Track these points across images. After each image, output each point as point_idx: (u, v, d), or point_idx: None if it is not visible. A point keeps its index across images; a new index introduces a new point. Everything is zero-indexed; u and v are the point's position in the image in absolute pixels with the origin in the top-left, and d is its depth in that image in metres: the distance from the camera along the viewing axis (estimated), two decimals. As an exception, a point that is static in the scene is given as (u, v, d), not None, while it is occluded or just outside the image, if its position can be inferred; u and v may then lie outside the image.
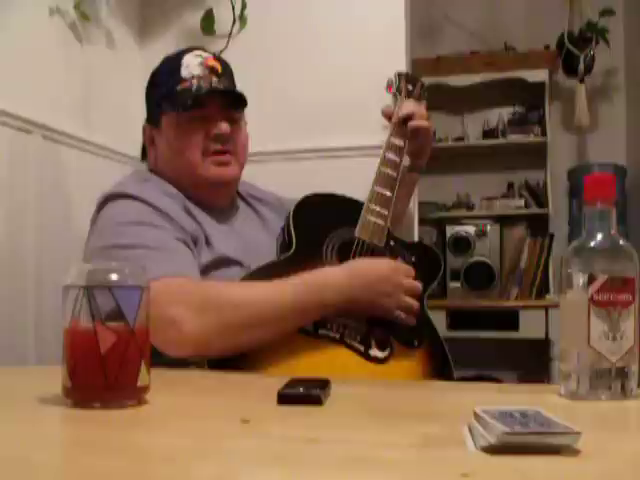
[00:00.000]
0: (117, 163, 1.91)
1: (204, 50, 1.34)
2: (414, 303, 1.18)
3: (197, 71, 1.27)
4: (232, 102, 1.29)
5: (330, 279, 1.13)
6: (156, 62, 1.36)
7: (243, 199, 1.42)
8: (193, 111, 1.25)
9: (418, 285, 1.20)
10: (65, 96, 1.74)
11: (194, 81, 1.26)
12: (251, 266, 1.20)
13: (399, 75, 1.47)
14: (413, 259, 1.25)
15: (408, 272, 1.20)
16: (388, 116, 1.40)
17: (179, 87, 1.26)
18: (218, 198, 1.31)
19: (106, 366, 0.71)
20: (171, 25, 2.04)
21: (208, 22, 1.94)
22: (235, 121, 1.30)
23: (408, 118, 1.35)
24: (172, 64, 1.30)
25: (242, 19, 1.94)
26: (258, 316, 1.07)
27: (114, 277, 0.73)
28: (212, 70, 1.29)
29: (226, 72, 1.32)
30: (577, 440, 0.53)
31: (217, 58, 1.33)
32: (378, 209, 1.26)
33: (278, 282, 1.11)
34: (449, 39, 3.73)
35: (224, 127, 1.26)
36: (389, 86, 1.47)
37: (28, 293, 1.54)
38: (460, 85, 3.56)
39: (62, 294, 0.74)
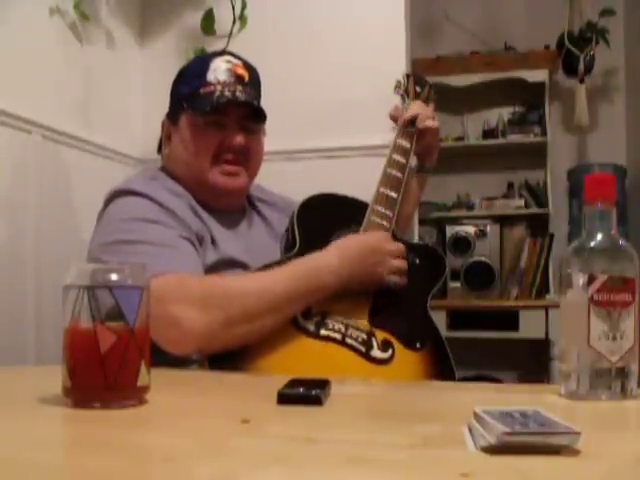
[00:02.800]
0: (117, 163, 1.91)
1: (235, 56, 1.32)
2: (403, 264, 1.20)
3: (223, 77, 1.26)
4: (252, 113, 1.28)
5: (322, 261, 1.13)
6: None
7: (251, 203, 1.42)
8: (211, 117, 1.24)
9: (401, 246, 1.21)
10: (65, 96, 1.74)
11: (218, 87, 1.25)
12: (254, 266, 1.20)
13: (407, 76, 1.47)
14: (417, 260, 1.25)
15: (389, 237, 1.22)
16: (395, 118, 1.40)
17: (202, 90, 1.25)
18: (222, 204, 1.31)
19: (106, 366, 0.71)
20: (171, 25, 2.05)
21: (208, 22, 1.94)
22: (253, 132, 1.30)
23: (415, 120, 1.35)
24: (201, 65, 1.29)
25: (242, 19, 1.94)
26: (258, 307, 1.07)
27: (114, 277, 0.73)
28: (238, 78, 1.27)
29: (252, 81, 1.31)
30: (577, 440, 0.53)
31: (246, 66, 1.32)
32: (383, 210, 1.26)
33: (274, 271, 1.11)
34: (449, 39, 3.73)
35: (239, 139, 1.26)
36: (397, 87, 1.47)
37: (28, 293, 1.55)
38: (460, 85, 3.56)
39: (62, 294, 0.74)
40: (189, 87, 1.28)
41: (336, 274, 1.13)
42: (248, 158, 1.29)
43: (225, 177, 1.27)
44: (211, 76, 1.26)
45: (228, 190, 1.29)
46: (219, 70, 1.27)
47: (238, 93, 1.25)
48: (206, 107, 1.23)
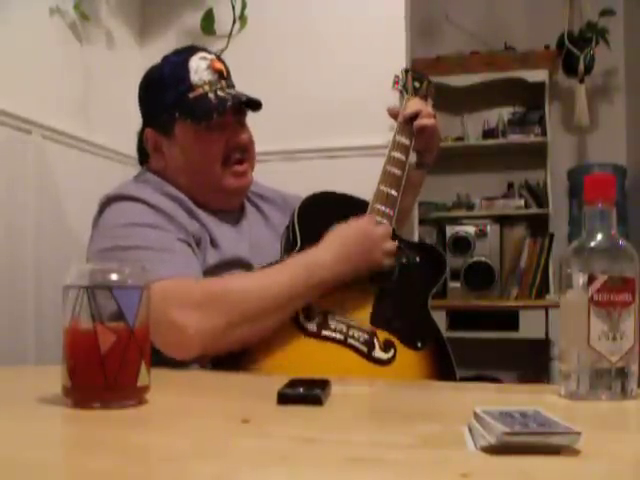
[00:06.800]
0: (117, 163, 1.91)
1: (205, 50, 1.31)
2: (393, 245, 1.21)
3: (207, 76, 1.24)
4: (241, 105, 1.27)
5: (316, 257, 1.14)
6: (156, 62, 1.35)
7: (247, 198, 1.41)
8: (213, 120, 1.23)
9: (388, 227, 1.22)
10: (65, 96, 1.74)
11: (206, 87, 1.23)
12: (257, 265, 1.20)
13: (406, 72, 1.46)
14: (417, 259, 1.25)
15: (374, 220, 1.22)
16: (394, 115, 1.39)
17: (192, 95, 1.23)
18: (232, 205, 1.32)
19: (106, 366, 0.71)
20: (171, 25, 2.05)
21: (208, 22, 1.94)
22: (244, 122, 1.30)
23: (414, 117, 1.35)
24: (178, 68, 1.26)
25: (242, 19, 1.94)
26: (259, 308, 1.07)
27: (114, 277, 0.73)
28: (220, 74, 1.27)
29: (229, 71, 1.31)
30: (577, 440, 0.53)
31: (219, 58, 1.31)
32: (383, 208, 1.25)
33: (272, 270, 1.11)
34: (449, 39, 3.73)
35: (244, 137, 1.27)
36: (396, 82, 1.46)
37: (28, 293, 1.55)
38: (460, 85, 3.56)
39: (62, 294, 0.74)
40: (174, 94, 1.24)
41: (330, 268, 1.13)
42: (249, 150, 1.30)
43: (237, 178, 1.28)
44: (195, 78, 1.24)
45: (241, 190, 1.30)
46: (200, 70, 1.25)
47: (227, 89, 1.25)
48: (211, 114, 1.21)
